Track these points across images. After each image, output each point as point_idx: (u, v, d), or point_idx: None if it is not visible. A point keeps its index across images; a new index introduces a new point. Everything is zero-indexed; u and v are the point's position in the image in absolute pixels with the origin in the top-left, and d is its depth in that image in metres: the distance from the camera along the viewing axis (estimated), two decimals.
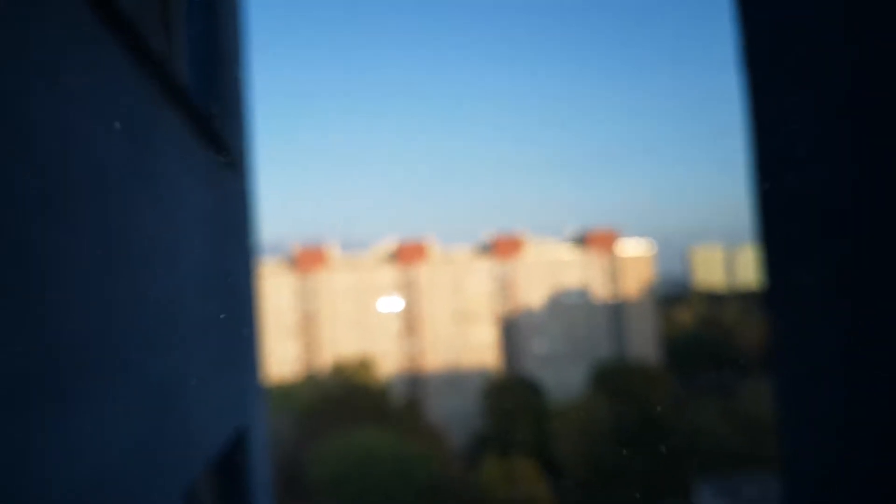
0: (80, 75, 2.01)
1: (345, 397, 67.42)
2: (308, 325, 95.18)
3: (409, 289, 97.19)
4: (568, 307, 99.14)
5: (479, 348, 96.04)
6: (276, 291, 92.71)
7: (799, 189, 1.90)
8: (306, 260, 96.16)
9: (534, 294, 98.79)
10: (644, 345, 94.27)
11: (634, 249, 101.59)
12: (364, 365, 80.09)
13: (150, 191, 2.56)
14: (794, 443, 1.94)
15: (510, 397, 73.16)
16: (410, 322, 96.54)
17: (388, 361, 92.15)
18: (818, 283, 1.82)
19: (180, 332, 2.93)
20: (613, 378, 68.65)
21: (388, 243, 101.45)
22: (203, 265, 3.47)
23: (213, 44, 4.30)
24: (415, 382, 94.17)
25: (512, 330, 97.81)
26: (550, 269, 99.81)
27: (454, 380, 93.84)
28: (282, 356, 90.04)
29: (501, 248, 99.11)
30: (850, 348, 1.71)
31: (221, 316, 3.88)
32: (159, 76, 2.71)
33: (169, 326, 2.75)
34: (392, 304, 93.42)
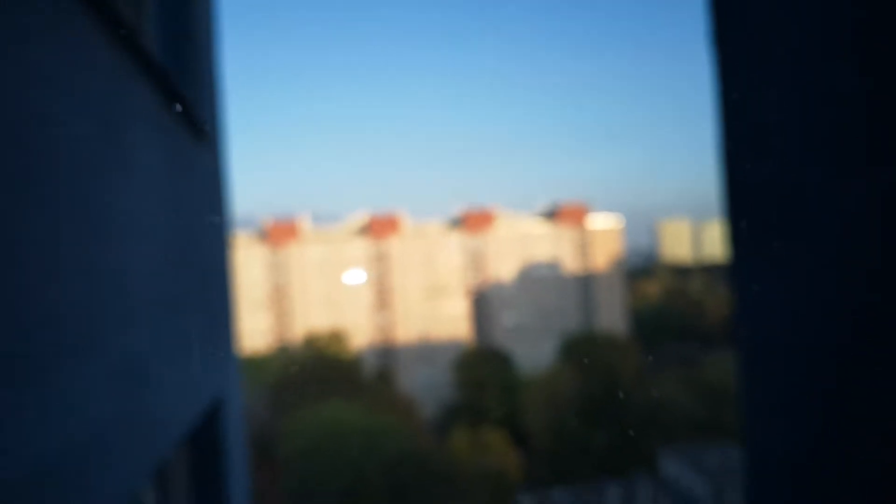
0: (48, 47, 1.98)
1: (316, 370, 67.47)
2: (279, 298, 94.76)
3: (380, 262, 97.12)
4: (538, 280, 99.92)
5: (451, 321, 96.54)
6: (247, 264, 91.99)
7: (765, 166, 1.95)
8: (278, 233, 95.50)
9: (504, 267, 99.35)
10: (612, 317, 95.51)
11: (604, 224, 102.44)
12: (335, 337, 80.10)
13: (121, 165, 2.54)
14: (756, 413, 2.01)
15: (481, 369, 73.75)
16: (382, 295, 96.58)
17: (360, 334, 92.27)
18: (781, 258, 1.88)
19: (154, 305, 2.93)
20: (582, 350, 69.56)
21: (360, 217, 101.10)
22: (176, 239, 3.45)
23: (184, 16, 4.23)
24: (386, 355, 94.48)
25: (483, 302, 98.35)
26: (521, 243, 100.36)
27: (425, 352, 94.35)
28: (253, 329, 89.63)
29: (473, 222, 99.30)
30: (810, 321, 1.78)
31: (194, 289, 3.87)
32: (130, 49, 2.67)
33: (142, 300, 2.74)
34: (357, 276, 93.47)
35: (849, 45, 1.60)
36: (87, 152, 2.20)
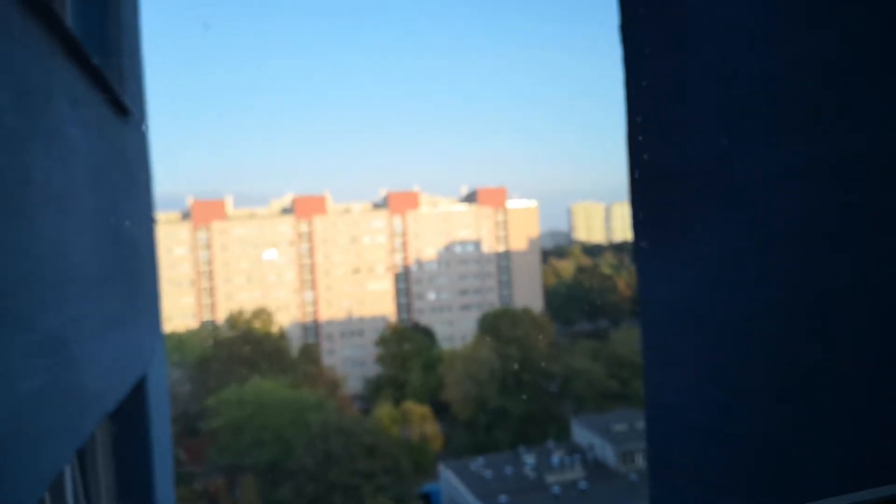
0: None
1: (241, 347, 66.26)
2: (204, 276, 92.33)
3: (306, 241, 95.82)
4: (459, 259, 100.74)
5: (375, 298, 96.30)
6: (171, 244, 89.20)
7: (667, 147, 2.03)
8: (202, 213, 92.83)
9: (427, 246, 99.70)
10: (528, 293, 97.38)
11: (522, 206, 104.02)
12: (260, 315, 78.74)
13: (38, 137, 2.42)
14: (657, 382, 2.11)
15: (404, 344, 74.04)
16: (307, 273, 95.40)
17: (286, 312, 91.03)
18: (681, 237, 1.96)
19: (75, 284, 2.81)
20: (500, 325, 70.67)
21: (286, 199, 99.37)
22: (98, 217, 3.32)
23: None
24: (311, 331, 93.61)
25: (406, 280, 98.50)
26: (443, 224, 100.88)
27: (350, 328, 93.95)
28: (178, 307, 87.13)
29: (396, 203, 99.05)
30: (708, 294, 1.87)
31: (118, 266, 3.74)
32: (47, 19, 2.54)
33: (63, 279, 2.63)
34: (272, 254, 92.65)
35: (750, 27, 1.67)
36: (2, 127, 2.09)
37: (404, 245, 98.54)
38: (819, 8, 1.45)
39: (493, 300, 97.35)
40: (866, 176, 1.36)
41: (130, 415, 4.40)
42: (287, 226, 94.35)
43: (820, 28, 1.44)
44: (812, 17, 1.48)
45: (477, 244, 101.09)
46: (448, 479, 48.92)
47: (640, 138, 2.21)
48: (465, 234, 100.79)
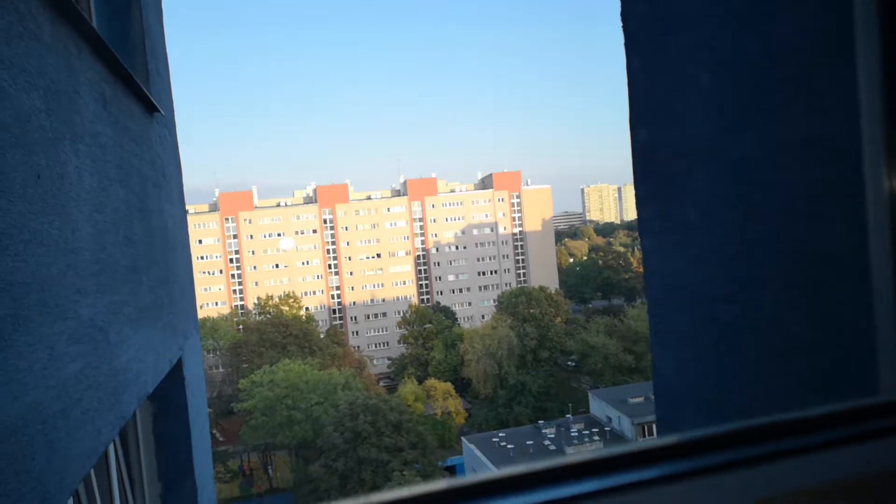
0: None
1: (271, 330, 66.84)
2: (233, 265, 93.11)
3: (329, 229, 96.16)
4: (476, 241, 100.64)
5: (396, 281, 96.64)
6: (201, 234, 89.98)
7: (662, 132, 2.05)
8: (230, 204, 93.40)
9: (446, 230, 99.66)
10: (544, 273, 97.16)
11: (536, 189, 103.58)
12: (288, 300, 79.29)
13: (70, 137, 2.46)
14: (661, 354, 2.12)
15: (425, 325, 74.29)
16: (332, 259, 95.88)
17: (312, 296, 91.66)
18: (675, 214, 1.99)
19: (111, 274, 2.87)
20: (517, 304, 70.62)
21: (309, 188, 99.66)
22: (131, 211, 3.38)
23: None
24: (337, 314, 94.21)
25: (426, 263, 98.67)
26: (461, 208, 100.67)
27: (374, 310, 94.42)
28: (210, 295, 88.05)
29: (416, 189, 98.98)
30: (706, 263, 1.90)
31: (152, 257, 3.80)
32: (74, 22, 2.58)
33: (99, 269, 2.69)
34: (289, 243, 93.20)
35: (736, 13, 1.68)
36: (34, 125, 2.13)
37: (424, 229, 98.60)
38: None
39: (509, 280, 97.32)
40: (841, 153, 1.38)
41: (169, 396, 4.49)
42: (311, 214, 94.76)
43: (803, 12, 1.46)
44: (796, 1, 1.50)
45: (493, 227, 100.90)
46: (471, 452, 49.22)
47: (639, 119, 2.23)
48: (482, 217, 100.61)
